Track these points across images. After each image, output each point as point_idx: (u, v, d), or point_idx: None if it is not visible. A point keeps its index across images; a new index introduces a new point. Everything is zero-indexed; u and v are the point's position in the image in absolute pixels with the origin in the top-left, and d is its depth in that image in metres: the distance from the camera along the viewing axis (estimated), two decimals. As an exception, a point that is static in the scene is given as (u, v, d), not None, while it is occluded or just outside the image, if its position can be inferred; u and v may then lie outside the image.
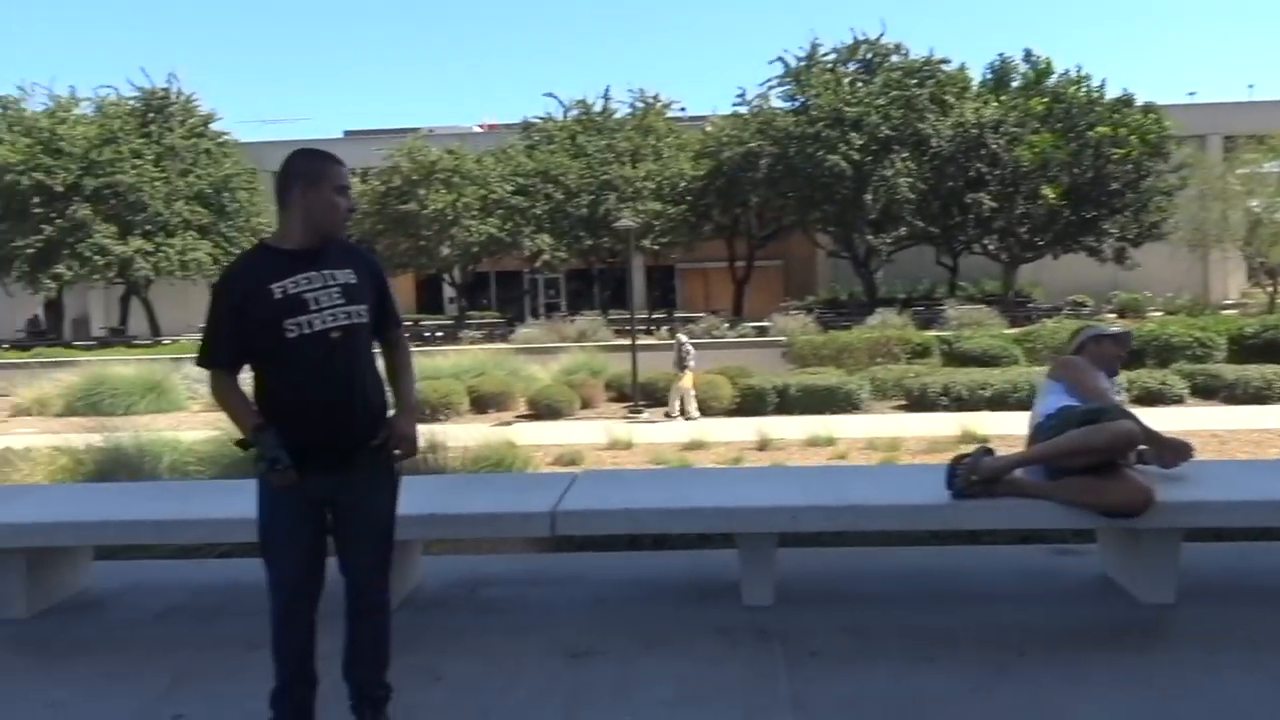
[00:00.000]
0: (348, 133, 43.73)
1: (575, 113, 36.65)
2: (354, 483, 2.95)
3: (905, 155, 30.22)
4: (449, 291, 38.19)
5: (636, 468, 10.81)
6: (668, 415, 16.47)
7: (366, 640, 3.08)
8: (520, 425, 15.58)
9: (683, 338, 18.00)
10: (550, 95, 37.47)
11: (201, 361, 2.96)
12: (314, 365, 2.85)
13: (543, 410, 16.78)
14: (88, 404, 18.56)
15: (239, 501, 4.39)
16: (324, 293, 2.89)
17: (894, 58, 32.77)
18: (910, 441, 12.43)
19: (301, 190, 2.93)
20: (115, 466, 9.70)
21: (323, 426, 2.88)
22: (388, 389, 3.10)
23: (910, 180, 29.92)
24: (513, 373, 19.75)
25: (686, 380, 16.82)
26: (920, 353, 20.92)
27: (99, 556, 4.81)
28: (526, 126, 36.63)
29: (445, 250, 32.64)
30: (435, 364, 19.75)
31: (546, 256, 33.41)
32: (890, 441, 12.39)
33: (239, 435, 2.99)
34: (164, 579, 4.73)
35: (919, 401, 16.57)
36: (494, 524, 4.03)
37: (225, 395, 2.95)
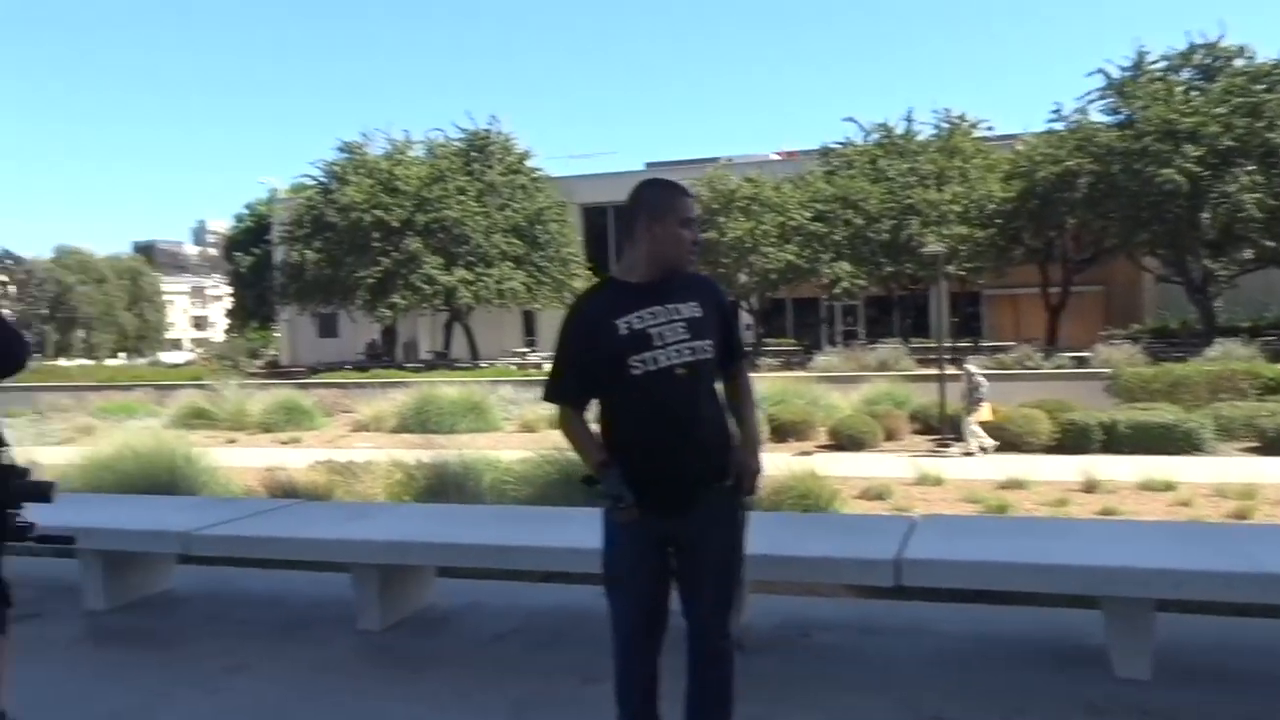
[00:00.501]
0: (649, 164, 45.21)
1: (876, 136, 35.93)
2: (698, 521, 2.83)
3: (1251, 168, 27.20)
4: (746, 319, 38.46)
5: (978, 515, 10.18)
6: (967, 454, 15.55)
7: (709, 687, 2.95)
8: (821, 456, 15.21)
9: (972, 368, 16.97)
10: (850, 120, 36.84)
11: (549, 396, 2.94)
12: (658, 402, 2.76)
13: (844, 441, 16.35)
14: (417, 421, 20.07)
15: (573, 530, 4.45)
16: (669, 328, 2.79)
17: (1237, 61, 29.66)
18: (1269, 490, 10.99)
19: (647, 223, 2.86)
20: (443, 483, 10.32)
21: (666, 464, 2.78)
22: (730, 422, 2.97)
23: (1258, 197, 26.87)
24: (812, 401, 19.42)
25: (980, 413, 15.87)
26: (1273, 388, 18.61)
27: (439, 573, 5.04)
28: (825, 152, 36.32)
29: (743, 278, 32.90)
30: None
31: (845, 284, 32.87)
32: (1243, 489, 11.00)
33: (576, 467, 2.94)
34: (500, 601, 4.86)
35: (1275, 444, 14.68)
36: (833, 569, 3.81)
37: (571, 430, 2.92)
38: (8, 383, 4.32)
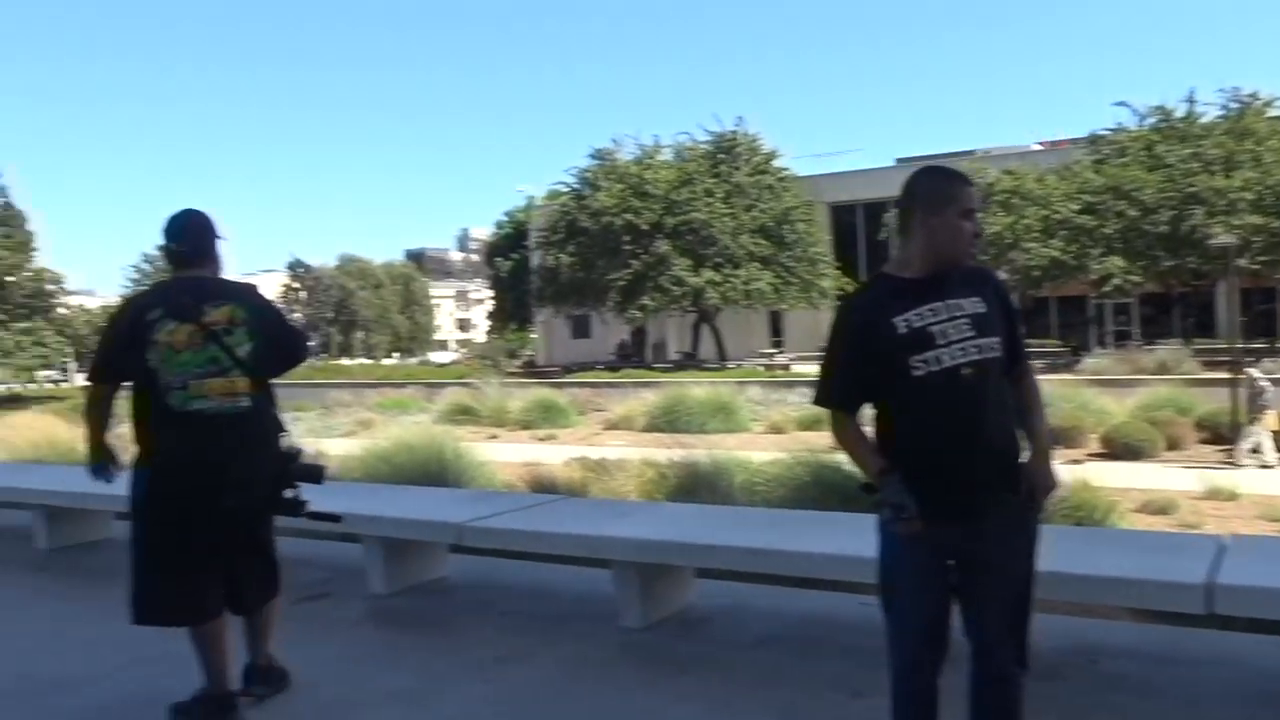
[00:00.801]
0: (900, 160, 43.93)
1: (1152, 120, 33.26)
2: (985, 535, 2.62)
3: None
4: (1006, 318, 36.58)
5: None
6: (1264, 466, 14.04)
7: (994, 714, 2.74)
8: (1094, 465, 14.20)
9: (1255, 373, 15.45)
10: (1122, 104, 34.26)
11: (819, 400, 2.79)
12: (942, 405, 2.57)
13: (1119, 450, 15.21)
14: (666, 421, 20.39)
15: (836, 536, 4.30)
16: (951, 325, 2.59)
17: None
18: None
19: (923, 215, 2.67)
20: (694, 482, 10.37)
21: (951, 472, 2.59)
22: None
23: None
24: (1081, 406, 18.21)
25: (1268, 421, 14.38)
26: None
27: (696, 574, 5.00)
28: (1094, 140, 33.99)
29: (1003, 275, 31.28)
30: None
31: (1117, 280, 30.62)
32: None
33: (860, 476, 2.79)
34: (761, 605, 4.78)
35: None
36: (1133, 592, 3.46)
37: (845, 436, 2.76)
38: (294, 378, 4.73)
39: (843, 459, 9.48)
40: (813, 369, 29.64)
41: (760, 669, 3.96)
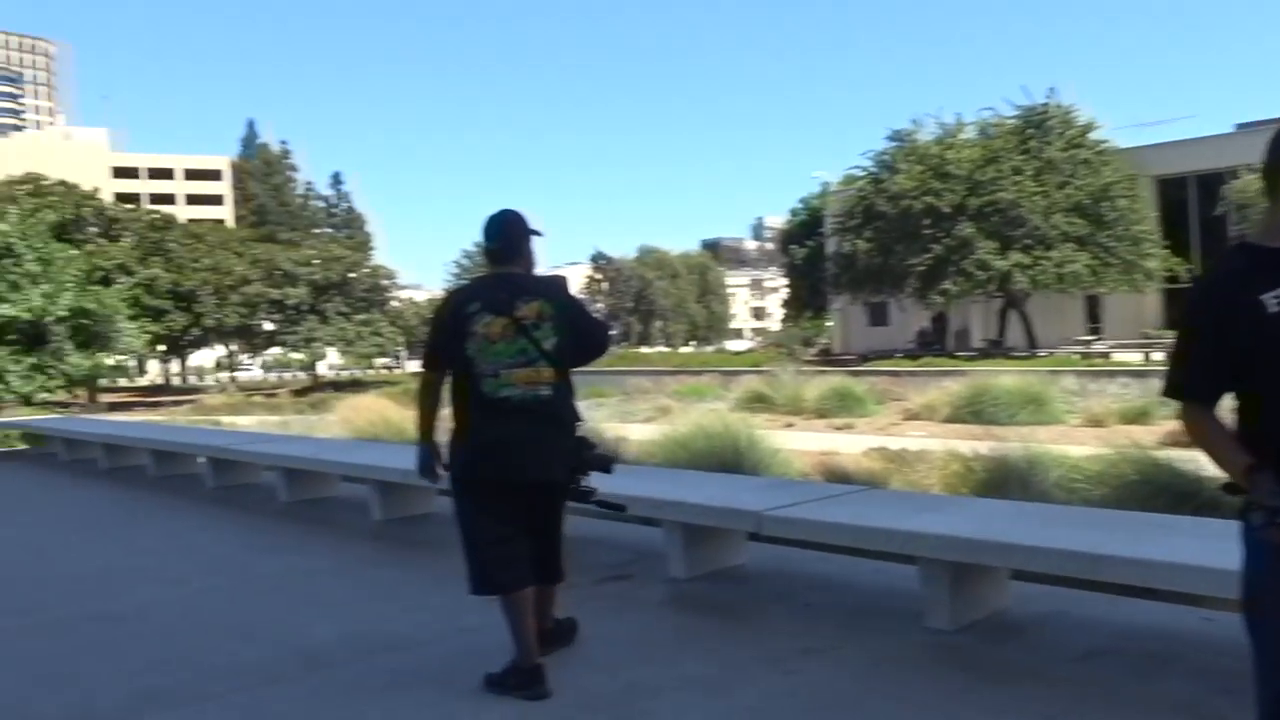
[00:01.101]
0: (1240, 125, 39.48)
1: None
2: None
3: None
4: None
5: None
6: None
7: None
8: None
9: None
10: None
11: (1169, 390, 2.43)
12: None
13: None
14: (971, 411, 19.40)
15: (1175, 542, 3.86)
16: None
17: None
18: None
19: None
20: (1004, 477, 9.76)
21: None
22: None
23: None
24: None
25: None
26: None
27: (1011, 576, 4.66)
28: None
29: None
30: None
31: None
32: None
33: (1224, 476, 2.42)
34: (1086, 613, 4.38)
35: None
36: None
37: (1203, 431, 2.39)
38: (597, 366, 4.92)
39: (1178, 456, 8.63)
40: (1136, 357, 27.50)
41: (1090, 686, 3.60)
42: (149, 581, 6.11)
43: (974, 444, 11.07)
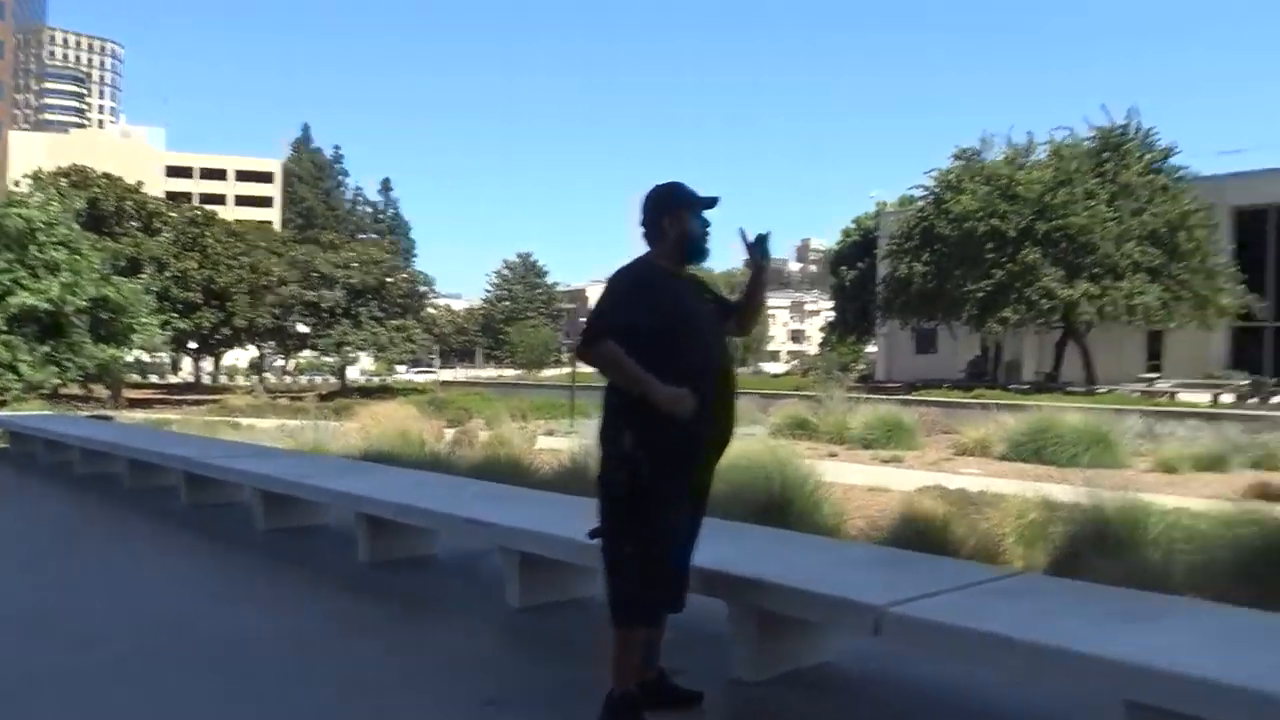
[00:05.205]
0: (1324, 159, 37.38)
1: None
2: None
3: None
4: None
5: None
6: None
7: None
8: None
9: None
10: None
11: None
12: None
13: None
14: (1030, 449, 17.75)
15: None
16: None
17: None
18: None
19: None
20: (1098, 533, 8.17)
21: None
22: None
23: None
24: None
25: None
26: None
27: None
28: None
29: None
30: None
31: None
32: None
33: None
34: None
35: None
36: None
37: None
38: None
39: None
40: (1203, 398, 25.42)
41: None
42: (52, 638, 4.70)
43: (1037, 485, 9.98)
